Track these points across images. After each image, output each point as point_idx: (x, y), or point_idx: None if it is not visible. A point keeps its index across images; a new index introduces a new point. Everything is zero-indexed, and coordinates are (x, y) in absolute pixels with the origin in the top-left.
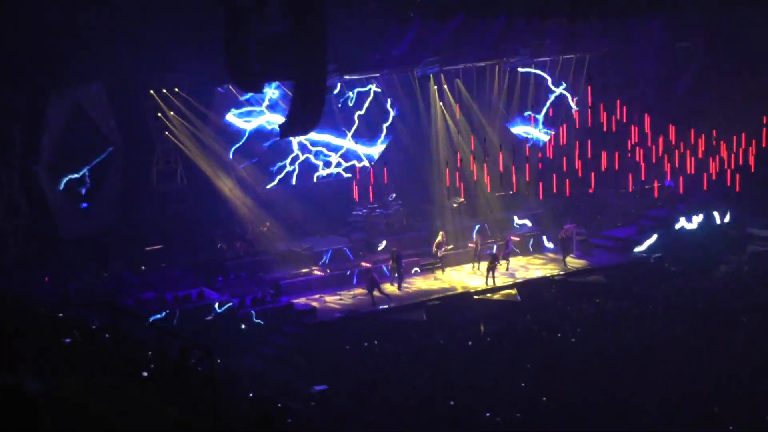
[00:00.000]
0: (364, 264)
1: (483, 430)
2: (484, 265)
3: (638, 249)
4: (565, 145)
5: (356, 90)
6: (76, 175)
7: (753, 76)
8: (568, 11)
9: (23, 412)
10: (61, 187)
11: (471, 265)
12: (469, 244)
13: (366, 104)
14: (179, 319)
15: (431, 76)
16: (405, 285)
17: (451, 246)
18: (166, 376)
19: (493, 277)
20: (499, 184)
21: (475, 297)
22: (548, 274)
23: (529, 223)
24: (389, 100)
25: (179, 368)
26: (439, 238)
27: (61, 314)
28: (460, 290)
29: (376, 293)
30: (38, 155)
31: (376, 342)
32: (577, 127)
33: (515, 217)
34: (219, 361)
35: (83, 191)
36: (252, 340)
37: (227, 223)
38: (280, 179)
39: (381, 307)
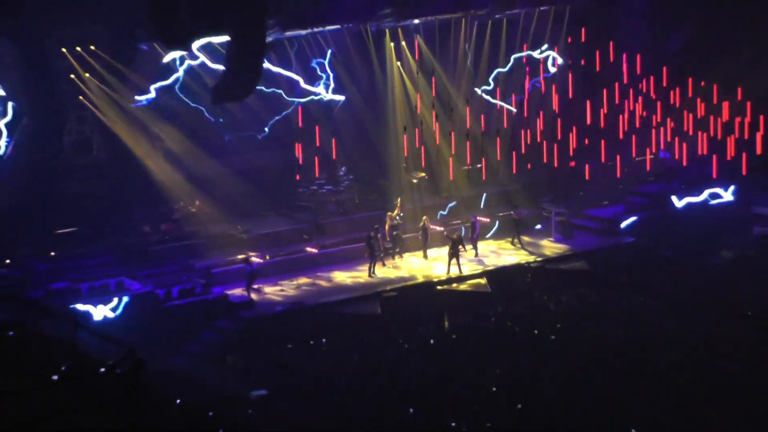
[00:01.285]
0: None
1: None
2: (434, 251)
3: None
4: (543, 112)
5: None
6: None
7: (753, 30)
8: None
9: None
10: None
11: (422, 252)
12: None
13: None
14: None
15: (387, 31)
16: (356, 273)
17: (398, 204)
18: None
19: (458, 265)
20: (466, 156)
21: (438, 287)
22: (523, 261)
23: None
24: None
25: (131, 383)
26: (389, 221)
27: None
28: (421, 279)
29: (251, 287)
30: None
31: (323, 339)
32: (556, 90)
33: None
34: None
35: None
36: (179, 337)
37: (152, 201)
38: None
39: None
